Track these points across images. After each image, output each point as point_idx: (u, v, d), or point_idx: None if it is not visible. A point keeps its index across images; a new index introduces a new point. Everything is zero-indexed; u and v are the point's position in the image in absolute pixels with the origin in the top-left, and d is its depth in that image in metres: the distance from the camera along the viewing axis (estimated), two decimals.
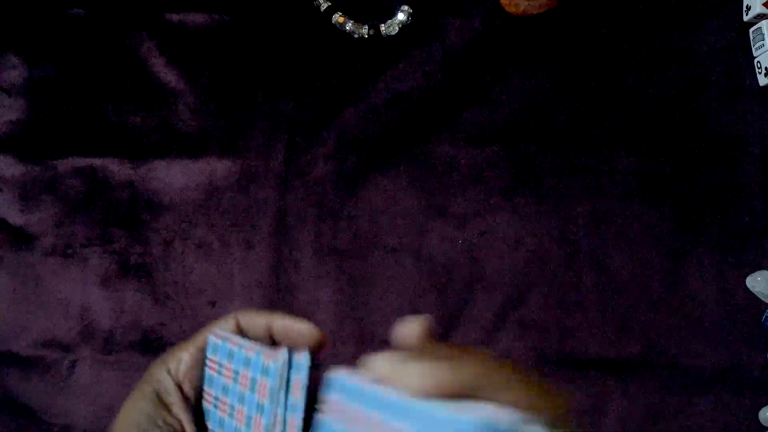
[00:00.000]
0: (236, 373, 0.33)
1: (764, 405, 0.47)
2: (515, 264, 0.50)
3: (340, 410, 0.25)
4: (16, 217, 0.52)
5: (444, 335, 0.49)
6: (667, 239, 0.50)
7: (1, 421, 0.48)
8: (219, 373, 0.35)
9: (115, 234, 0.51)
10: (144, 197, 0.52)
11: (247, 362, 0.32)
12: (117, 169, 0.52)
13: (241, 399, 0.32)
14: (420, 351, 0.27)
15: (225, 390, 0.34)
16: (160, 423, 0.33)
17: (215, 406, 0.34)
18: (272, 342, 0.35)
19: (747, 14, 0.52)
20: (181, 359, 0.35)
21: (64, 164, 0.53)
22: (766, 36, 0.50)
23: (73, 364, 0.49)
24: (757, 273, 0.48)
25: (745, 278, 0.49)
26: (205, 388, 0.35)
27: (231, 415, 0.33)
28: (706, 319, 0.48)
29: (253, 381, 0.32)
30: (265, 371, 0.31)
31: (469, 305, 0.49)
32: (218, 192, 0.52)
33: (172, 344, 0.49)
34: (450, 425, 0.20)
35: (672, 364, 0.48)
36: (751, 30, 0.52)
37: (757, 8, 0.51)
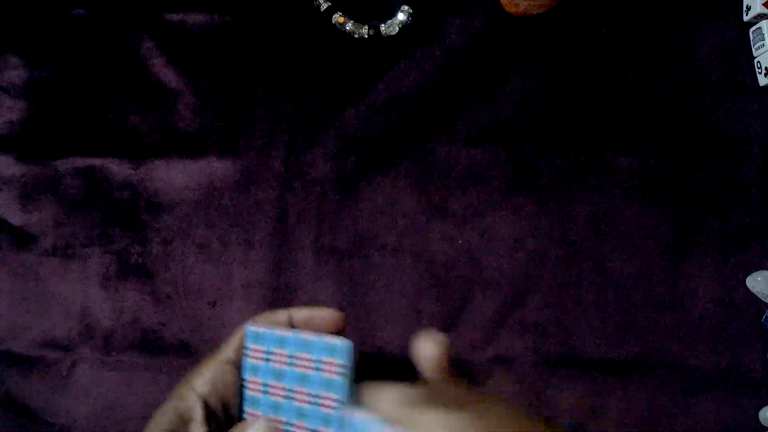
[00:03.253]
0: (292, 357, 0.35)
1: (764, 405, 0.47)
2: (515, 264, 0.50)
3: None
4: (16, 217, 0.52)
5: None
6: (667, 239, 0.50)
7: (1, 421, 0.48)
8: (266, 360, 0.36)
9: (115, 234, 0.51)
10: (144, 197, 0.52)
11: (306, 345, 0.34)
12: (117, 169, 0.52)
13: (302, 380, 0.34)
14: (431, 389, 0.26)
15: (278, 375, 0.35)
16: None
17: (265, 393, 0.36)
18: None
19: (747, 14, 0.52)
20: (203, 374, 0.36)
21: (64, 164, 0.53)
22: (766, 36, 0.50)
23: (73, 364, 0.49)
24: (757, 273, 0.48)
25: (745, 278, 0.49)
26: (248, 377, 0.36)
27: (289, 398, 0.35)
28: (706, 319, 0.48)
29: (318, 362, 0.34)
30: (332, 351, 0.33)
31: (469, 305, 0.49)
32: (218, 192, 0.52)
33: (172, 344, 0.49)
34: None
35: (672, 364, 0.48)
36: (751, 30, 0.52)
37: (757, 8, 0.51)
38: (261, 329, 0.36)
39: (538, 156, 0.51)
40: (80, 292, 0.51)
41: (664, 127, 0.52)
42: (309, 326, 0.37)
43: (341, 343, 0.33)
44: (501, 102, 0.53)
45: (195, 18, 0.55)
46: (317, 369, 0.33)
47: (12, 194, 0.52)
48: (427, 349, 0.31)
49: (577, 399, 0.47)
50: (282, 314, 0.37)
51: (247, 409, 0.36)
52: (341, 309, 0.49)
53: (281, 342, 0.35)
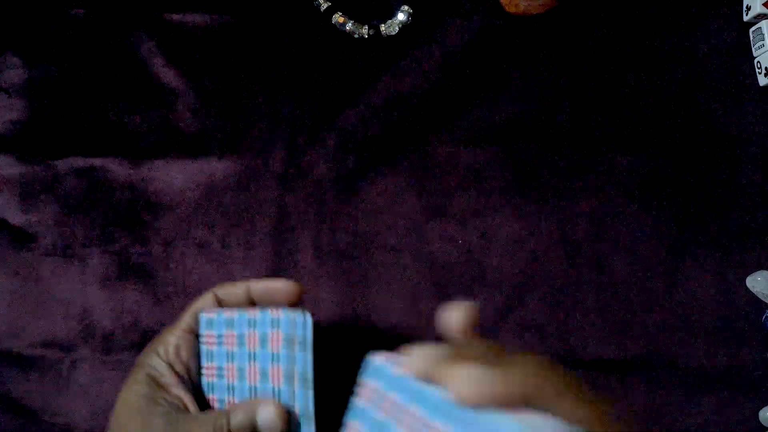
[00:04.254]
0: (241, 336, 0.35)
1: (764, 405, 0.47)
2: (515, 264, 0.50)
3: (379, 398, 0.24)
4: (16, 217, 0.52)
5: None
6: (667, 239, 0.50)
7: (1, 421, 0.48)
8: (219, 344, 0.36)
9: (115, 234, 0.51)
10: (144, 197, 0.52)
11: (252, 323, 0.35)
12: (117, 169, 0.52)
13: (252, 357, 0.34)
14: (464, 346, 0.25)
15: (230, 357, 0.36)
16: (162, 402, 0.34)
17: (220, 376, 0.36)
18: (253, 306, 0.38)
19: (747, 14, 0.52)
20: (168, 342, 0.37)
21: (64, 164, 0.53)
22: (766, 36, 0.50)
23: (73, 364, 0.49)
24: (757, 273, 0.48)
25: (745, 278, 0.49)
26: (205, 364, 0.37)
27: (241, 378, 0.35)
28: (706, 319, 0.48)
29: (263, 336, 0.34)
30: (276, 323, 0.33)
31: None
32: (218, 192, 0.52)
33: None
34: (494, 430, 0.19)
35: (672, 364, 0.48)
36: (751, 30, 0.52)
37: (757, 8, 0.51)
38: (212, 315, 0.37)
39: (538, 156, 0.51)
40: (80, 292, 0.51)
41: (664, 127, 0.52)
42: (265, 297, 0.38)
43: (284, 315, 0.33)
44: (501, 102, 0.53)
45: (195, 18, 0.55)
46: (263, 343, 0.34)
47: (12, 194, 0.52)
48: (453, 316, 0.28)
49: None
50: (241, 286, 0.38)
51: (207, 395, 0.37)
52: (341, 309, 0.49)
53: (230, 324, 0.36)
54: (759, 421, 0.46)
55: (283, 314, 0.33)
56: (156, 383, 0.35)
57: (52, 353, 0.50)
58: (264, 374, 0.34)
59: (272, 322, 0.34)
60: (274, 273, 0.50)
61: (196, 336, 0.38)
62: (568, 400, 0.21)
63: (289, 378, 0.33)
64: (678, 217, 0.50)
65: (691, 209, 0.50)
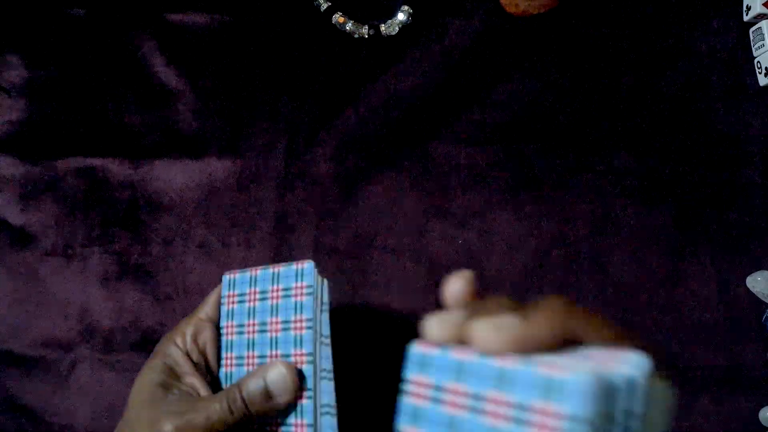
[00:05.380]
0: (264, 292, 0.36)
1: (764, 405, 0.47)
2: (515, 264, 0.50)
3: (437, 393, 0.22)
4: (16, 217, 0.52)
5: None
6: (667, 239, 0.50)
7: (1, 421, 0.48)
8: (240, 302, 0.37)
9: (115, 234, 0.51)
10: (144, 197, 0.52)
11: (275, 277, 0.36)
12: (117, 169, 0.52)
13: (274, 311, 0.35)
14: (471, 308, 0.25)
15: (251, 313, 0.37)
16: (174, 390, 0.35)
17: (240, 333, 0.37)
18: None
19: (747, 14, 0.52)
20: (185, 330, 0.38)
21: (64, 164, 0.53)
22: (766, 36, 0.50)
23: (73, 364, 0.49)
24: (757, 273, 0.48)
25: (746, 278, 0.49)
26: (224, 323, 0.38)
27: (263, 331, 0.36)
28: (706, 319, 0.48)
29: (287, 290, 0.35)
30: (300, 275, 0.35)
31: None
32: (218, 192, 0.52)
33: None
34: (567, 386, 0.18)
35: (672, 364, 0.48)
36: (751, 30, 0.52)
37: (757, 8, 0.51)
38: (235, 275, 0.38)
39: (538, 156, 0.51)
40: (80, 292, 0.51)
41: (664, 126, 0.52)
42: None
43: (306, 265, 0.35)
44: (501, 102, 0.53)
45: (195, 18, 0.55)
46: (286, 296, 0.35)
47: (12, 194, 0.52)
48: (457, 285, 0.28)
49: None
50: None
51: (224, 353, 0.38)
52: (341, 309, 0.49)
53: (253, 281, 0.37)
54: (759, 421, 0.46)
55: (306, 266, 0.35)
56: (171, 371, 0.36)
57: (52, 353, 0.50)
58: (286, 326, 0.35)
59: (297, 273, 0.35)
60: None
61: (217, 326, 0.38)
62: (600, 334, 0.21)
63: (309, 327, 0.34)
64: (678, 217, 0.50)
65: (691, 209, 0.50)
